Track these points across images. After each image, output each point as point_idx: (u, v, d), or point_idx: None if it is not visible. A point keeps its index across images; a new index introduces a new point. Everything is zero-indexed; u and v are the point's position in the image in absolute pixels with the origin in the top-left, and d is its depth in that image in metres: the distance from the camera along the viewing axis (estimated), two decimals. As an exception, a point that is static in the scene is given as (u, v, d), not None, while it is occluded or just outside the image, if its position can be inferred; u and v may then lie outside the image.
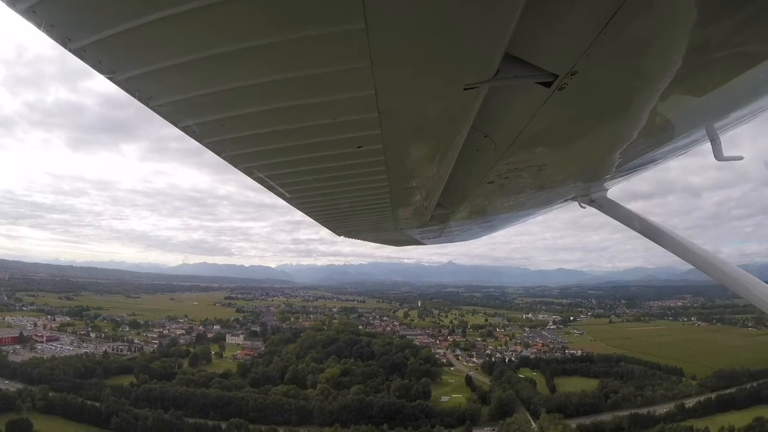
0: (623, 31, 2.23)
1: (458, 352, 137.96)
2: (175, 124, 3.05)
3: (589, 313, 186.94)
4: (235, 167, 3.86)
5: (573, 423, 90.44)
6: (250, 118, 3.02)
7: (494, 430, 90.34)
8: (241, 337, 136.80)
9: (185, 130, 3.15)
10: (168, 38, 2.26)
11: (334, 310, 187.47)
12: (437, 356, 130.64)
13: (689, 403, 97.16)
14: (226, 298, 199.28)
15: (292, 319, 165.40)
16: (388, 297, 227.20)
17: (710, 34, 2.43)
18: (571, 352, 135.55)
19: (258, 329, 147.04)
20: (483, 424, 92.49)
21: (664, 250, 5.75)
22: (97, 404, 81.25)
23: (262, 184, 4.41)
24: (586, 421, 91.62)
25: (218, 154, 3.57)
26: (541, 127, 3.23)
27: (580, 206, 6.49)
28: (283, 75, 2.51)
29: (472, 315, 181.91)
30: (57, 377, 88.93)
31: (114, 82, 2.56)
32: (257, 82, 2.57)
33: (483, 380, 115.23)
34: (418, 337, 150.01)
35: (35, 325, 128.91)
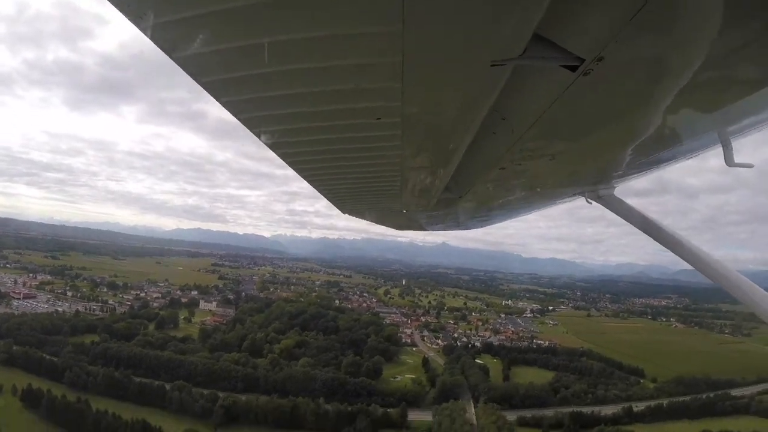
0: (654, 21, 2.27)
1: (426, 333, 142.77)
2: (195, 77, 3.15)
3: (570, 305, 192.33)
4: (250, 130, 3.97)
5: (514, 414, 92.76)
6: (270, 78, 3.08)
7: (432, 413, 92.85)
8: (214, 303, 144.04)
9: (205, 85, 3.23)
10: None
11: (317, 283, 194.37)
12: (403, 336, 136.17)
13: (639, 407, 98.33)
14: (212, 264, 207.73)
15: (271, 289, 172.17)
16: (376, 274, 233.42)
17: (740, 35, 2.49)
18: (539, 342, 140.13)
19: (232, 297, 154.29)
20: (425, 407, 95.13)
21: (658, 247, 5.95)
22: (55, 359, 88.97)
23: (273, 150, 4.55)
24: (528, 414, 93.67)
25: (235, 115, 3.67)
26: (560, 113, 3.32)
27: (587, 202, 6.70)
28: (309, 33, 2.54)
29: (453, 297, 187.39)
30: (23, 332, 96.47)
31: (139, 28, 2.63)
32: (281, 38, 2.60)
33: (441, 363, 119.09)
34: (392, 315, 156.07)
35: (15, 282, 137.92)
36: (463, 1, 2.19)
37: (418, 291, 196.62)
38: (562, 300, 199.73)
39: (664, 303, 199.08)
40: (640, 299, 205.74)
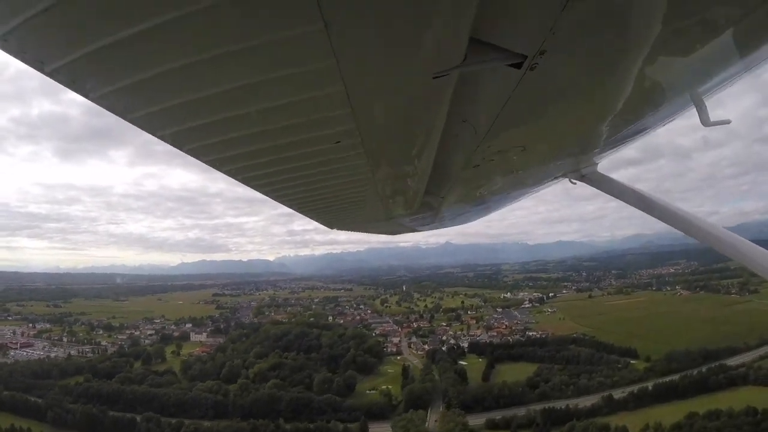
0: (587, 3, 2.35)
1: (414, 339, 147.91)
2: (153, 133, 3.42)
3: (573, 288, 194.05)
4: (219, 170, 4.32)
5: (484, 417, 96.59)
6: (225, 123, 3.32)
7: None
8: (204, 335, 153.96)
9: (164, 138, 3.51)
10: (137, 54, 2.48)
11: (316, 300, 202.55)
12: (389, 345, 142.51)
13: (623, 393, 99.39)
14: (213, 295, 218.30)
15: (266, 313, 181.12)
16: (377, 283, 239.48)
17: None
18: (532, 333, 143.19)
19: (223, 326, 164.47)
20: (392, 419, 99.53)
21: (662, 222, 6.22)
22: (39, 401, 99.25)
23: (247, 185, 4.92)
24: (498, 415, 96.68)
25: (199, 158, 3.97)
26: (518, 108, 3.46)
27: (571, 182, 6.94)
28: (252, 79, 2.76)
29: (452, 297, 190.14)
30: (14, 379, 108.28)
31: (90, 100, 2.88)
32: (226, 88, 2.80)
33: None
34: (383, 325, 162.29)
35: (14, 333, 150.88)
36: (392, 24, 2.37)
37: (416, 295, 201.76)
38: (565, 284, 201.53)
39: (672, 270, 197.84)
40: (647, 270, 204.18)
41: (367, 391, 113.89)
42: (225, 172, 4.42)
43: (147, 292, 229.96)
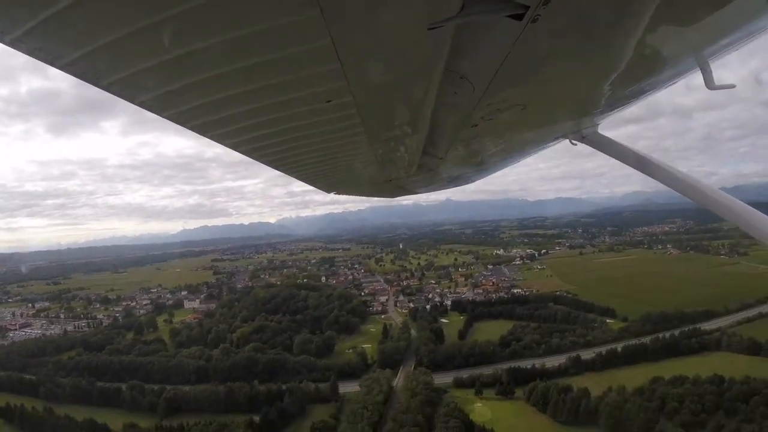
0: None
1: (401, 298, 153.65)
2: (131, 100, 3.31)
3: (566, 245, 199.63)
4: (204, 136, 4.20)
5: (451, 376, 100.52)
6: (207, 84, 3.19)
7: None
8: (198, 301, 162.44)
9: (142, 105, 3.38)
10: (105, 12, 2.38)
11: (313, 261, 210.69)
12: (376, 304, 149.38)
13: (590, 354, 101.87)
14: (212, 261, 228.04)
15: (261, 277, 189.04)
16: (376, 242, 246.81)
17: None
18: (517, 291, 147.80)
19: (216, 292, 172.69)
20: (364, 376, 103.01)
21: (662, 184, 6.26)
22: (33, 378, 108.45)
23: (236, 151, 4.83)
24: (465, 374, 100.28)
25: (182, 124, 3.87)
26: (518, 64, 3.33)
27: (571, 143, 6.85)
28: (231, 35, 2.60)
29: (446, 254, 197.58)
30: (11, 359, 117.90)
31: (58, 68, 2.76)
32: (204, 45, 2.68)
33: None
34: (374, 284, 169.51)
35: (13, 315, 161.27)
36: None
37: (412, 253, 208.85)
38: (559, 241, 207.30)
39: (667, 229, 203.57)
40: (643, 228, 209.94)
41: (347, 351, 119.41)
42: (211, 138, 4.41)
43: (146, 262, 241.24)
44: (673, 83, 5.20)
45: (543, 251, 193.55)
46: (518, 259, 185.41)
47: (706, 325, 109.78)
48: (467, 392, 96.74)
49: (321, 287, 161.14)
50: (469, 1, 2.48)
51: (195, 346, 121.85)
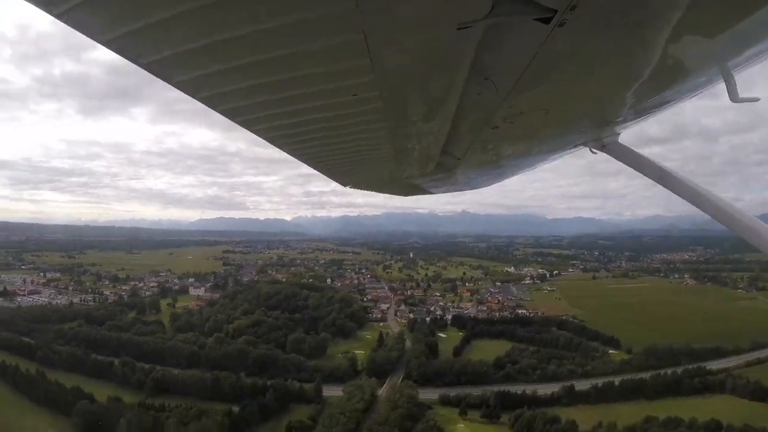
0: None
1: (403, 307, 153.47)
2: (168, 80, 3.51)
3: (580, 267, 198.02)
4: (233, 121, 4.39)
5: (437, 393, 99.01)
6: (241, 70, 3.36)
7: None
8: (202, 289, 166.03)
9: (178, 85, 3.58)
10: None
11: (321, 262, 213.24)
12: (375, 312, 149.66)
13: (586, 385, 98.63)
14: (224, 252, 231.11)
15: (269, 272, 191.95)
16: (387, 249, 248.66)
17: None
18: (522, 311, 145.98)
19: (221, 282, 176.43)
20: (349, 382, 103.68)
21: (683, 199, 6.02)
22: (32, 341, 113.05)
23: (262, 137, 4.99)
24: (453, 392, 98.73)
25: (213, 107, 4.04)
26: (543, 67, 3.44)
27: (591, 152, 6.81)
28: (267, 24, 2.75)
29: (456, 267, 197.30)
30: (15, 321, 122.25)
31: (101, 43, 2.94)
32: (243, 32, 2.83)
33: (404, 338, 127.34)
34: (377, 290, 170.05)
35: (24, 281, 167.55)
36: None
37: (421, 263, 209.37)
38: (573, 262, 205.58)
39: (686, 257, 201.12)
40: (662, 255, 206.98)
41: (339, 355, 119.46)
42: (239, 123, 4.54)
43: (161, 246, 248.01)
44: (697, 94, 5.29)
45: (555, 272, 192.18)
46: (528, 278, 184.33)
47: (714, 364, 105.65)
48: (452, 411, 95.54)
49: (324, 288, 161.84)
50: (498, 2, 2.58)
51: (191, 332, 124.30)
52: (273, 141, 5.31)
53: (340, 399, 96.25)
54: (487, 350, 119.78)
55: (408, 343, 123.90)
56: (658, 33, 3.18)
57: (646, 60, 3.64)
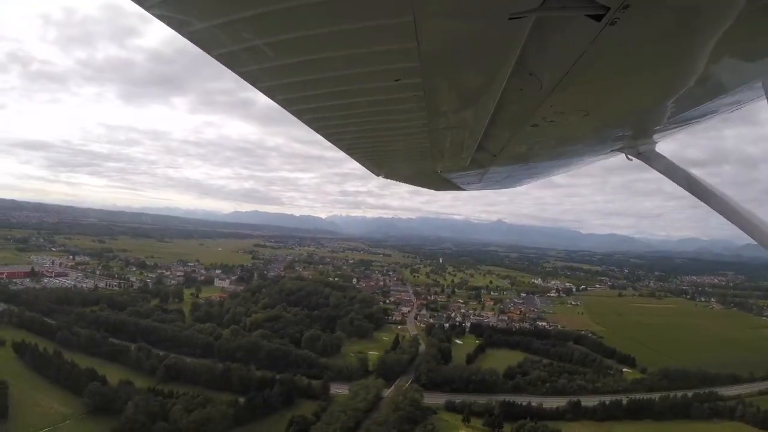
0: None
1: (424, 312, 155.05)
2: (208, 51, 3.48)
3: (608, 283, 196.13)
4: (272, 99, 4.38)
5: (444, 398, 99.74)
6: (284, 46, 3.35)
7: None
8: (227, 282, 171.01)
9: (218, 58, 3.56)
10: None
11: (350, 261, 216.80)
12: (395, 314, 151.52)
13: (593, 401, 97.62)
14: (255, 245, 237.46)
15: (296, 268, 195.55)
16: (418, 252, 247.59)
17: None
18: (542, 324, 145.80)
19: (246, 276, 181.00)
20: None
21: (721, 221, 5.88)
22: (53, 322, 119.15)
23: (298, 117, 4.92)
24: (457, 399, 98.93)
25: (252, 84, 4.06)
26: (589, 66, 3.41)
27: (627, 158, 6.78)
28: None
29: (483, 276, 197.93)
30: (39, 302, 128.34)
31: (145, 9, 2.94)
32: (287, 5, 2.81)
33: (420, 342, 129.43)
34: (401, 293, 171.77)
35: (53, 263, 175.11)
36: None
37: (450, 269, 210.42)
38: (602, 278, 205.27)
39: (716, 281, 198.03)
40: (691, 277, 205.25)
41: (352, 354, 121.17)
42: (277, 102, 4.55)
43: (193, 236, 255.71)
44: (737, 108, 5.22)
45: (582, 287, 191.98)
46: (554, 291, 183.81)
47: (727, 390, 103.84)
48: (456, 417, 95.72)
49: (347, 288, 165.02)
50: None
51: (209, 323, 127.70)
52: (310, 123, 5.29)
53: (345, 397, 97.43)
54: (501, 360, 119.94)
55: (422, 347, 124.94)
56: (706, 42, 3.16)
57: (692, 68, 3.64)
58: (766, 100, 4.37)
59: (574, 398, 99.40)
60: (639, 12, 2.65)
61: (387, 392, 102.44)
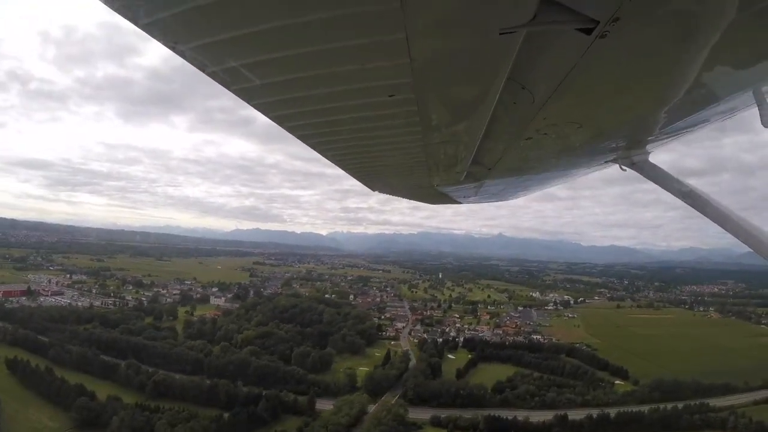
0: None
1: (418, 327, 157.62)
2: (202, 69, 3.53)
3: (607, 295, 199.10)
4: (265, 115, 4.46)
5: (430, 413, 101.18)
6: (277, 64, 3.43)
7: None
8: (223, 299, 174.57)
9: (212, 75, 3.63)
10: None
11: (348, 278, 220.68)
12: (389, 330, 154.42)
13: (579, 414, 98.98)
14: (254, 263, 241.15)
15: (293, 286, 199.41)
16: (419, 268, 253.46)
17: None
18: (537, 337, 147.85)
19: (242, 293, 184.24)
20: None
21: (718, 230, 6.05)
22: (46, 339, 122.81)
23: (292, 133, 5.02)
24: (443, 413, 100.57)
25: (247, 101, 4.13)
26: (581, 79, 3.54)
27: (621, 168, 6.95)
28: (310, 16, 2.78)
29: (482, 290, 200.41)
30: (34, 320, 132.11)
31: (138, 26, 3.00)
32: (283, 23, 2.86)
33: (412, 357, 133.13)
34: (397, 309, 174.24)
35: (50, 281, 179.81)
36: None
37: (449, 284, 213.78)
38: (601, 290, 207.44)
39: (716, 290, 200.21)
40: (691, 286, 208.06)
41: (342, 370, 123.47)
42: (272, 119, 4.64)
43: (192, 254, 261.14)
44: (729, 117, 5.42)
45: (580, 299, 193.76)
46: (552, 304, 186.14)
47: (720, 401, 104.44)
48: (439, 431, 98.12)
49: (342, 305, 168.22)
50: (541, 9, 2.70)
51: (200, 340, 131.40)
52: (305, 139, 5.44)
53: (328, 413, 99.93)
54: (492, 374, 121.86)
55: (412, 362, 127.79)
56: (696, 52, 3.33)
57: (683, 79, 3.81)
58: (757, 108, 4.76)
59: (561, 412, 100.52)
60: (629, 25, 2.80)
61: (372, 408, 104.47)
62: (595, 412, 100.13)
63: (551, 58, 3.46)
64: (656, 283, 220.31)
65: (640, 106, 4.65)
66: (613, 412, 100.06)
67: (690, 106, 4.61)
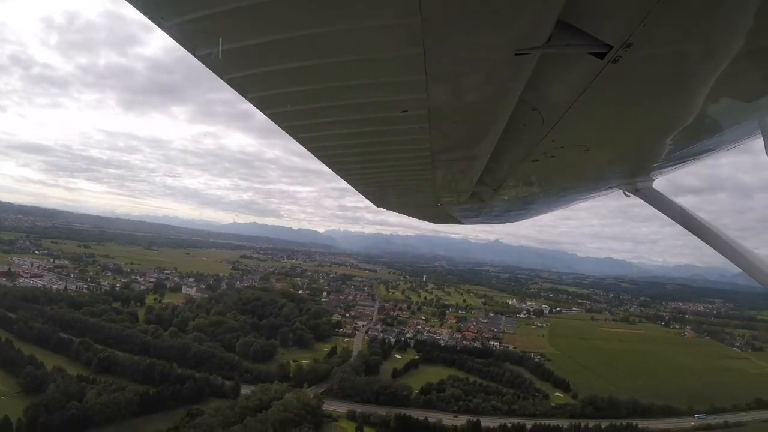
0: (683, 3, 2.64)
1: (378, 326, 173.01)
2: (221, 75, 3.78)
3: (587, 307, 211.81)
4: (279, 126, 4.73)
5: (347, 407, 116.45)
6: (294, 74, 3.70)
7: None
8: (194, 289, 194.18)
9: (230, 82, 3.87)
10: None
11: (331, 276, 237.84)
12: (348, 327, 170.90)
13: (494, 422, 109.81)
14: (241, 257, 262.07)
15: (271, 280, 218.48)
16: (406, 270, 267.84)
17: None
18: (493, 343, 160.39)
19: (214, 284, 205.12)
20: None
21: (714, 250, 6.57)
22: (13, 316, 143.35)
23: (303, 145, 5.37)
24: (359, 408, 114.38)
25: (262, 110, 4.40)
26: (591, 102, 3.77)
27: (625, 195, 7.41)
28: (329, 28, 3.00)
29: (460, 294, 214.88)
30: (7, 298, 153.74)
31: (162, 28, 3.24)
32: (302, 34, 3.09)
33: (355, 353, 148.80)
34: (366, 308, 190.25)
35: (31, 264, 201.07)
36: None
37: (430, 286, 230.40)
38: (583, 301, 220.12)
39: (701, 308, 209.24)
40: (676, 303, 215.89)
41: (286, 362, 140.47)
42: (285, 129, 4.93)
43: (182, 245, 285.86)
44: (734, 146, 5.74)
45: (557, 309, 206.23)
46: (525, 312, 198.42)
47: (657, 423, 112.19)
48: (352, 425, 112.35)
49: (306, 300, 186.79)
50: (556, 32, 2.94)
51: (155, 325, 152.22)
52: (315, 151, 5.80)
53: (243, 397, 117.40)
54: (430, 376, 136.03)
55: (352, 359, 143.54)
56: (705, 82, 3.59)
57: (690, 107, 4.07)
58: (762, 139, 5.01)
59: (475, 418, 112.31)
60: (641, 51, 3.04)
61: (288, 396, 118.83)
62: (512, 422, 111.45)
63: (563, 80, 3.81)
64: (642, 298, 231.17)
65: (647, 133, 5.00)
66: (529, 423, 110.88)
67: (696, 135, 4.98)
